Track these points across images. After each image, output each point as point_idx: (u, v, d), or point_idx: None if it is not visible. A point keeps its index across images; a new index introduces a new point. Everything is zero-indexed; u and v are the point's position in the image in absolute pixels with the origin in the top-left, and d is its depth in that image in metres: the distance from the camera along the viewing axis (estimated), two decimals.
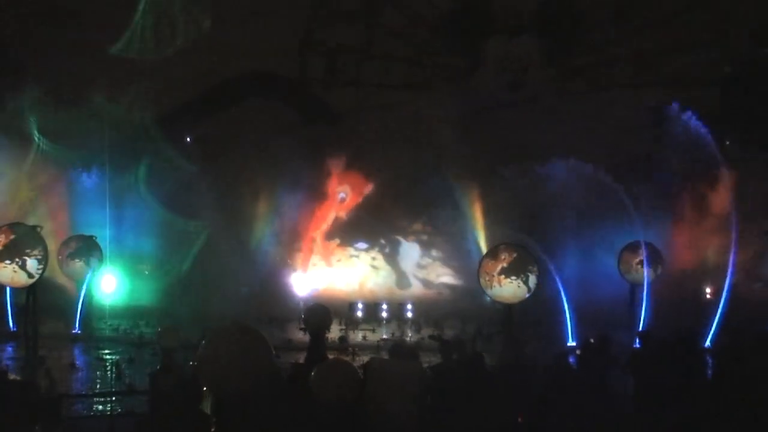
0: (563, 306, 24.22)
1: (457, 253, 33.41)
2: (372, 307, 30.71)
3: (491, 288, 22.04)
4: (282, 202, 33.63)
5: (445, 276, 34.47)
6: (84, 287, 26.73)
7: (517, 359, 13.55)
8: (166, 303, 29.69)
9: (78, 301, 26.07)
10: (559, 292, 24.38)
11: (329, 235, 34.91)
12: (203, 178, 33.05)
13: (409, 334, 27.21)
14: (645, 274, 25.28)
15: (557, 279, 24.39)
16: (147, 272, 33.49)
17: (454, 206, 32.47)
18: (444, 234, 34.36)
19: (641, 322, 24.22)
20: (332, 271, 34.55)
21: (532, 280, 21.70)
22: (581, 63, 40.44)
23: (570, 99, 37.37)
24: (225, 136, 34.86)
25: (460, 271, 33.24)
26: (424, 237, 34.98)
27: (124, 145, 32.66)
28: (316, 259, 34.50)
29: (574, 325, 23.73)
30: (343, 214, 35.03)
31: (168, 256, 33.01)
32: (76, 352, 23.46)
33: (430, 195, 33.52)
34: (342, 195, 34.91)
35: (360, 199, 34.98)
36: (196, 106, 35.94)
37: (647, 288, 24.99)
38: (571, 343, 22.95)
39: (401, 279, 34.65)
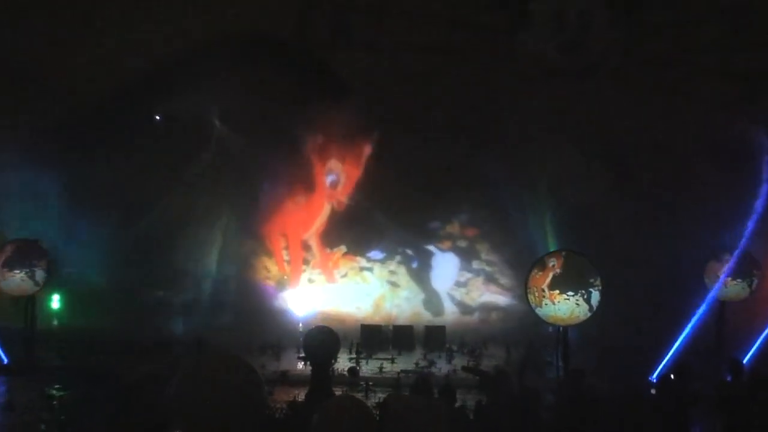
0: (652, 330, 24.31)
1: (510, 266, 33.24)
2: (389, 332, 30.83)
3: (541, 306, 22.11)
4: (273, 195, 33.52)
5: (491, 295, 34.24)
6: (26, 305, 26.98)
7: (575, 397, 13.52)
8: (128, 325, 29.64)
9: None
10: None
11: (331, 242, 34.75)
12: (171, 167, 33.01)
13: (438, 365, 27.25)
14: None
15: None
16: (104, 286, 33.55)
17: (505, 202, 32.28)
18: (492, 239, 34.09)
19: (748, 355, 24.19)
20: (336, 288, 34.44)
21: (595, 297, 21.68)
22: (656, 21, 40.18)
23: (642, 66, 37.20)
24: (202, 113, 34.65)
25: (513, 289, 33.02)
26: (463, 243, 34.82)
27: (72, 123, 32.58)
28: (313, 273, 34.35)
29: (670, 355, 23.74)
30: (346, 212, 34.73)
31: (128, 265, 32.88)
32: (12, 388, 23.46)
33: (470, 187, 33.29)
34: (332, 177, 34.62)
35: (369, 192, 34.33)
36: (165, 76, 35.82)
37: None
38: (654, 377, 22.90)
39: (431, 299, 34.49)
